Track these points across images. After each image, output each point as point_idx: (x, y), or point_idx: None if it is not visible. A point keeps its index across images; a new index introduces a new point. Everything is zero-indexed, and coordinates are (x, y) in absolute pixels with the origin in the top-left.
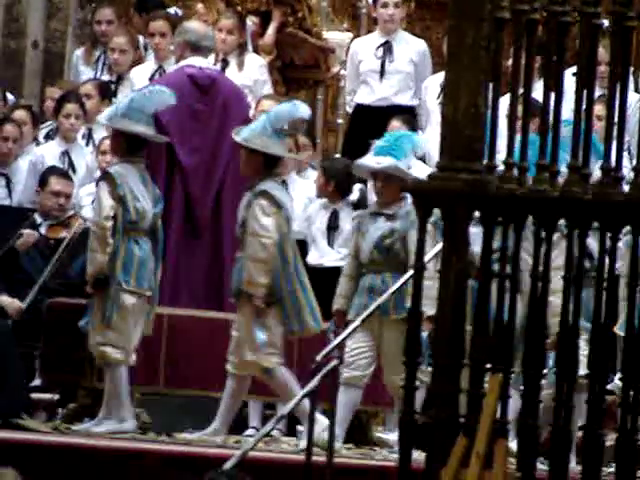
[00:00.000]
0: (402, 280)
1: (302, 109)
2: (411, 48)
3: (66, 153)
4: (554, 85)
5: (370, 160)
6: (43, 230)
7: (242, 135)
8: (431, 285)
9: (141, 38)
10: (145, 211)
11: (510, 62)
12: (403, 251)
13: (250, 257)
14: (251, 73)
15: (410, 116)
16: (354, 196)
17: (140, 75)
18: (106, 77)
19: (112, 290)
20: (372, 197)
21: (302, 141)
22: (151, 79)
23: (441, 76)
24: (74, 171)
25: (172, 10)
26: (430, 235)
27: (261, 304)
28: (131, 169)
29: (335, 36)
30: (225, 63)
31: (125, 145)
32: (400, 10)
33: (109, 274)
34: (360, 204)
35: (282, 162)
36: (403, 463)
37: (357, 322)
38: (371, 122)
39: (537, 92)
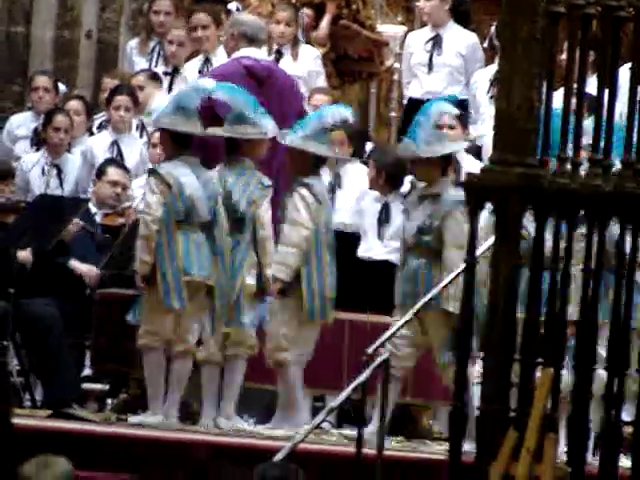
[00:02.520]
0: (453, 275)
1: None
2: (460, 41)
3: (115, 143)
4: (608, 80)
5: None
6: (98, 219)
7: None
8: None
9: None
10: None
11: (564, 56)
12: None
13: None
14: (305, 64)
15: (461, 110)
16: (405, 188)
17: (191, 69)
18: (161, 68)
19: None
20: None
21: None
22: (200, 72)
23: (490, 70)
24: (122, 162)
25: (233, 5)
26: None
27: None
28: None
29: (389, 29)
30: (279, 54)
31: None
32: (432, 3)
33: None
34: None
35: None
36: (453, 456)
37: (408, 315)
38: None
39: (591, 87)
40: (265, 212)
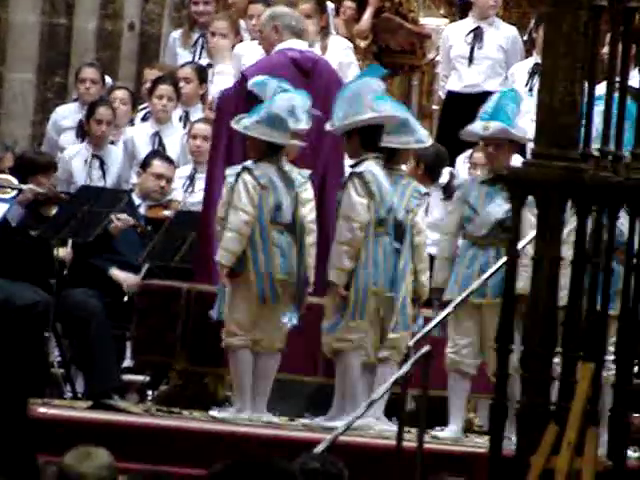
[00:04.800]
0: (495, 266)
1: None
2: (501, 34)
3: (157, 134)
4: None
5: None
6: (142, 210)
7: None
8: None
9: (242, 22)
10: None
11: (606, 50)
12: None
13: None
14: (336, 56)
15: None
16: (444, 179)
17: (249, 54)
18: (205, 60)
19: None
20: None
21: None
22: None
23: (528, 63)
24: (165, 153)
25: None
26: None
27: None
28: None
29: (431, 22)
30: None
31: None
32: None
33: None
34: (450, 187)
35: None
36: (494, 449)
37: (449, 308)
38: (461, 108)
39: (633, 80)
40: (421, 220)
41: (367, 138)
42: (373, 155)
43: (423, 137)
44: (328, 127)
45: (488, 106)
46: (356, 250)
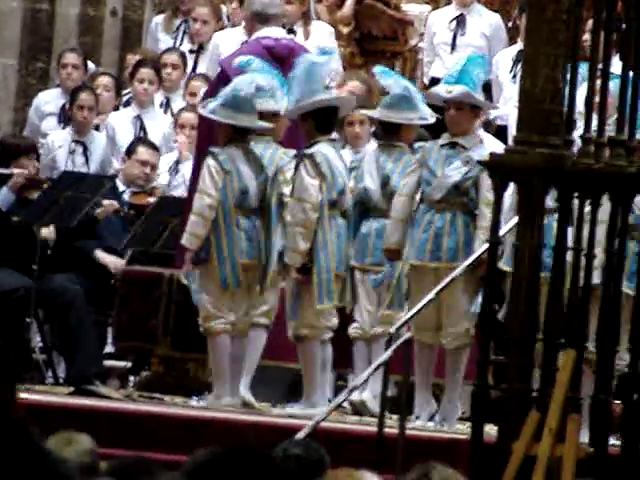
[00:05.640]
0: (476, 254)
1: None
2: (484, 22)
3: (139, 117)
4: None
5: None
6: (126, 197)
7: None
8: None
9: (224, 7)
10: None
11: (587, 37)
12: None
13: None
14: (318, 41)
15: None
16: None
17: (226, 43)
18: (187, 46)
19: None
20: None
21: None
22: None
23: (512, 50)
24: (146, 136)
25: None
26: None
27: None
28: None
29: (414, 8)
30: (292, 33)
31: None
32: None
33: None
34: None
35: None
36: (475, 437)
37: (431, 294)
38: None
39: (615, 67)
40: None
41: (321, 121)
42: (327, 137)
43: (427, 114)
44: (282, 112)
45: (454, 70)
46: (310, 231)
